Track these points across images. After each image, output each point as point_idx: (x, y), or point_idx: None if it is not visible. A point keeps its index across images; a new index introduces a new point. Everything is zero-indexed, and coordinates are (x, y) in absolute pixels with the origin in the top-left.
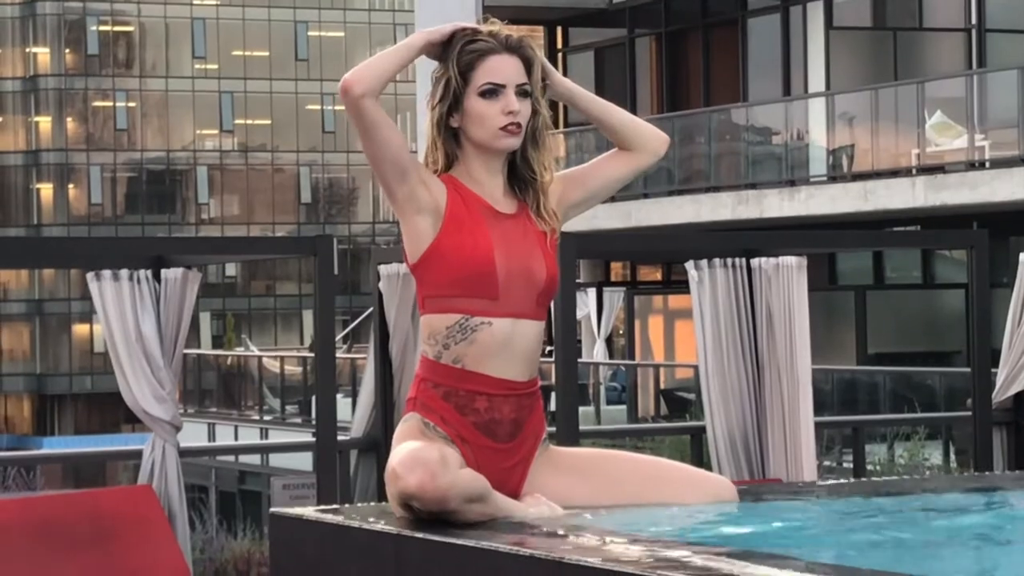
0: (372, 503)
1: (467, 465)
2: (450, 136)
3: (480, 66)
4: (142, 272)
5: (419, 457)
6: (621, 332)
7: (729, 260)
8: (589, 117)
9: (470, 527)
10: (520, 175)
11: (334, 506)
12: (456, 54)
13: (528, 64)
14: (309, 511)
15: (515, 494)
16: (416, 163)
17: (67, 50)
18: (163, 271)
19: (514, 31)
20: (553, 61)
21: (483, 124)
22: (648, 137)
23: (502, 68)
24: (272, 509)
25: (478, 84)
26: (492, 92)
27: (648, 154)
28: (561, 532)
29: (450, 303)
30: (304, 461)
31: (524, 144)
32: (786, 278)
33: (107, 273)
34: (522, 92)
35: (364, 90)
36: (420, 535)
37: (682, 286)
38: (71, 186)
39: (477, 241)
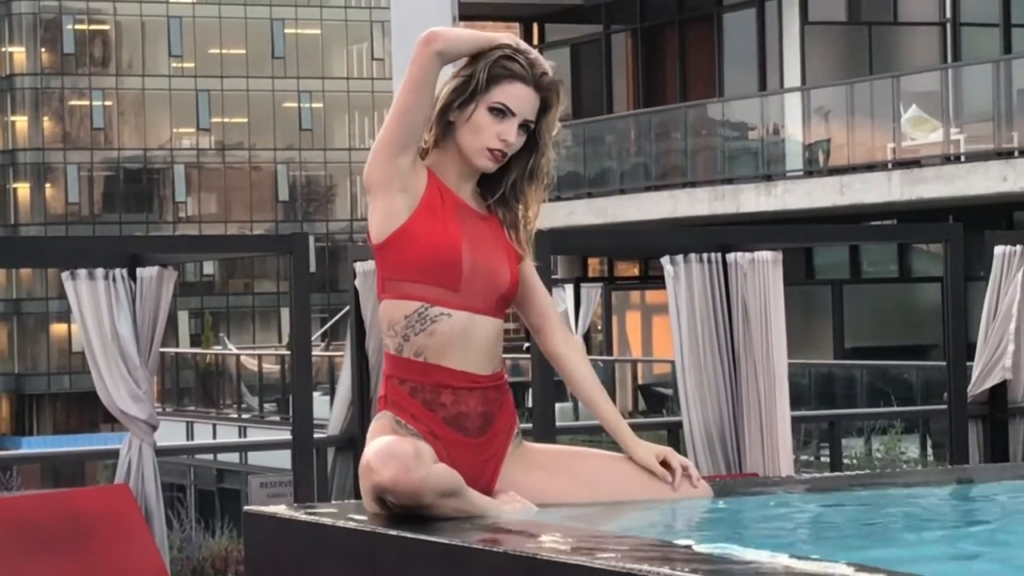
0: (349, 500)
1: (440, 461)
2: (444, 124)
3: (504, 85)
4: (117, 271)
5: (393, 451)
6: (599, 328)
7: (705, 255)
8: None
9: (444, 524)
10: (506, 201)
11: (309, 504)
12: (491, 61)
13: (546, 106)
14: (282, 509)
15: (488, 489)
16: (417, 146)
17: (43, 49)
18: (139, 270)
19: (551, 71)
20: None
21: (475, 135)
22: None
23: (520, 98)
24: (246, 507)
25: (492, 99)
26: (500, 112)
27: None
28: (534, 529)
29: (411, 289)
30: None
31: (520, 176)
32: (762, 273)
33: (82, 272)
34: (524, 126)
35: (442, 48)
36: (394, 532)
37: (659, 281)
38: (48, 185)
39: (447, 230)
